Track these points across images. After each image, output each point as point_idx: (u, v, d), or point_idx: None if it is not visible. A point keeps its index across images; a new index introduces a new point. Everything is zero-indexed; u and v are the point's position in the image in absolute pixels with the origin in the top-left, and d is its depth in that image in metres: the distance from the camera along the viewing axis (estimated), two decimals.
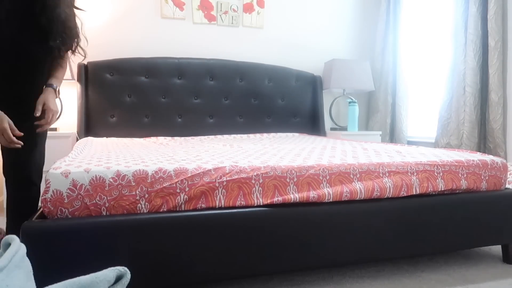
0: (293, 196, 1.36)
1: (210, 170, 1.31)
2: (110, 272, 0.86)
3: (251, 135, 3.12)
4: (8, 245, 0.83)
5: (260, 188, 1.33)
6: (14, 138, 1.33)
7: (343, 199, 1.42)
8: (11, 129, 1.32)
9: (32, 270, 0.88)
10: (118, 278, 0.88)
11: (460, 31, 2.74)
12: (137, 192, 1.23)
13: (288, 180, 1.37)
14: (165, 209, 1.25)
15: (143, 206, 1.23)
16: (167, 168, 1.28)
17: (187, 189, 1.26)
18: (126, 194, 1.22)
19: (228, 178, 1.31)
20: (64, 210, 1.17)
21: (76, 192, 1.18)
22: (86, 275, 0.84)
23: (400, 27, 3.48)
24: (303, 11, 3.62)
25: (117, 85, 2.94)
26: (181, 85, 3.10)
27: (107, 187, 1.20)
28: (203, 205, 1.28)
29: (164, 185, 1.24)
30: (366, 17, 3.81)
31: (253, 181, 1.33)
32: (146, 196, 1.23)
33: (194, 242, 1.24)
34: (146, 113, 3.01)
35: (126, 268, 0.89)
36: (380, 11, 3.66)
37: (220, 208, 1.30)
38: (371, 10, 3.80)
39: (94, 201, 1.19)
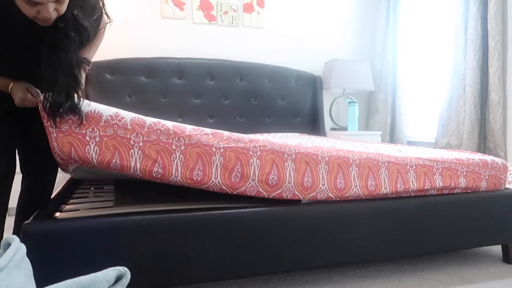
0: (289, 176, 1.34)
1: (208, 134, 1.30)
2: (110, 272, 0.86)
3: (251, 135, 3.11)
4: (8, 245, 0.83)
5: (258, 160, 1.32)
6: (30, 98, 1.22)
7: (337, 186, 1.41)
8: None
9: (32, 270, 0.88)
10: (118, 278, 0.88)
11: (460, 31, 2.74)
12: (132, 137, 1.20)
13: (286, 156, 1.36)
14: (159, 169, 1.21)
15: (136, 154, 1.19)
16: (166, 123, 1.27)
17: (183, 147, 1.24)
18: (121, 135, 1.19)
19: (225, 145, 1.29)
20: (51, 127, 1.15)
21: (69, 116, 1.16)
22: (86, 275, 0.84)
23: (400, 27, 3.48)
24: (303, 11, 3.62)
25: (117, 85, 2.94)
26: (181, 85, 3.10)
27: (103, 123, 1.19)
28: (199, 173, 1.25)
29: (160, 137, 1.22)
30: (366, 17, 3.81)
31: (250, 153, 1.32)
32: (140, 145, 1.20)
33: (194, 242, 1.24)
34: (146, 113, 2.99)
35: (126, 268, 0.89)
36: (380, 11, 3.66)
37: (220, 208, 1.30)
38: (371, 10, 3.80)
39: (84, 131, 1.16)
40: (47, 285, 0.81)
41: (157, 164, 1.21)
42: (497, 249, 1.84)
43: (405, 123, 3.41)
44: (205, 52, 3.29)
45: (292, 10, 3.58)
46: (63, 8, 1.12)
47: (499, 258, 1.76)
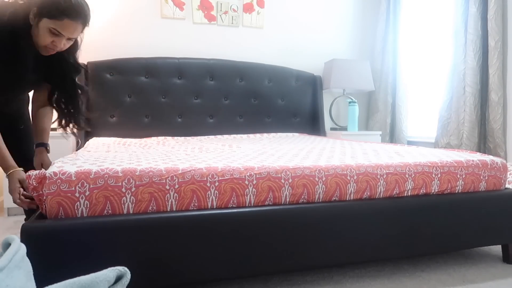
0: (284, 201, 1.36)
1: (201, 168, 1.30)
2: (110, 272, 0.86)
3: (251, 135, 3.12)
4: (8, 245, 0.83)
5: (254, 189, 1.32)
6: (23, 200, 1.32)
7: (333, 199, 1.42)
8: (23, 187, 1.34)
9: (32, 270, 0.88)
10: (118, 278, 0.88)
11: (460, 31, 2.74)
12: (124, 184, 1.19)
13: (283, 181, 1.35)
14: (154, 208, 1.23)
15: (128, 200, 1.20)
16: (159, 166, 1.28)
17: (177, 186, 1.24)
18: (112, 184, 1.19)
19: (220, 178, 1.29)
20: (43, 193, 1.16)
21: (58, 176, 1.15)
22: (86, 275, 0.84)
23: (400, 27, 3.48)
24: (303, 11, 3.62)
25: (117, 85, 2.94)
26: (181, 85, 3.10)
27: (93, 175, 1.18)
28: (194, 209, 1.27)
29: (153, 179, 1.22)
30: (366, 17, 3.81)
31: (246, 182, 1.31)
32: (133, 190, 1.20)
33: (194, 242, 1.24)
34: (146, 113, 3.01)
35: (126, 268, 0.89)
36: (380, 11, 3.66)
37: (220, 208, 1.30)
38: (371, 10, 3.80)
39: (73, 188, 1.15)
40: (47, 285, 0.81)
41: (150, 208, 1.22)
42: (497, 249, 1.84)
43: (405, 123, 3.41)
44: (205, 52, 3.29)
45: (292, 10, 3.58)
46: (68, 45, 1.44)
47: (499, 258, 1.76)
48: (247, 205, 1.32)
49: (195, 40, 3.30)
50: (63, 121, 1.61)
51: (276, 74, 3.38)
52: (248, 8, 3.42)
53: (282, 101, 3.40)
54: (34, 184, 1.16)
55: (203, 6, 3.29)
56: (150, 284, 1.20)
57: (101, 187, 1.17)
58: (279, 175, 1.35)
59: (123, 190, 1.19)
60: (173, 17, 3.23)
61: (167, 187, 1.23)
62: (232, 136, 3.07)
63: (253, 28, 3.46)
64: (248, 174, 1.32)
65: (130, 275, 0.90)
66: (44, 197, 1.16)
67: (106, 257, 1.15)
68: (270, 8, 3.50)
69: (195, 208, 1.27)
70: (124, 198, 1.19)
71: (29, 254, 0.89)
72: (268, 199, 1.34)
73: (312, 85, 3.52)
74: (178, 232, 1.22)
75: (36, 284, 0.88)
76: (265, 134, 3.18)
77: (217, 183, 1.28)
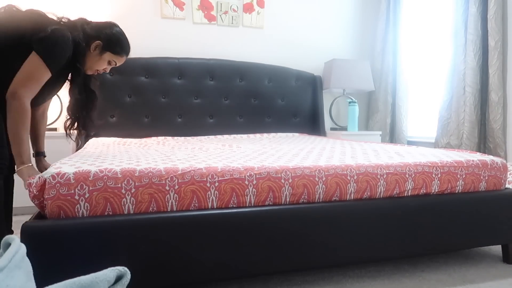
0: (284, 201, 1.35)
1: (201, 168, 1.30)
2: (110, 272, 0.86)
3: (251, 135, 3.12)
4: (8, 245, 0.83)
5: (254, 189, 1.32)
6: None
7: (333, 199, 1.41)
8: None
9: (32, 270, 0.88)
10: (118, 278, 0.88)
11: (460, 31, 2.74)
12: (123, 185, 1.19)
13: (283, 181, 1.35)
14: (154, 209, 1.23)
15: (128, 201, 1.19)
16: (158, 166, 1.28)
17: (176, 187, 1.24)
18: (111, 186, 1.18)
19: (220, 178, 1.29)
20: (43, 198, 1.16)
21: (56, 180, 1.15)
22: (86, 275, 0.84)
23: (400, 27, 3.48)
24: (303, 11, 3.62)
25: (117, 85, 2.94)
26: (181, 85, 3.10)
27: (92, 177, 1.18)
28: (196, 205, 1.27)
29: (153, 180, 1.22)
30: (366, 17, 3.82)
31: (246, 182, 1.31)
32: (132, 191, 1.20)
33: (194, 242, 1.24)
34: (146, 113, 3.01)
35: (126, 268, 0.89)
36: (380, 11, 3.66)
37: (220, 208, 1.30)
38: (371, 10, 3.80)
39: (72, 191, 1.15)
40: (47, 285, 0.81)
41: (150, 208, 1.22)
42: (497, 249, 1.84)
43: (405, 123, 3.41)
44: (205, 52, 3.29)
45: (292, 10, 3.58)
46: None
47: (499, 258, 1.76)
48: (247, 205, 1.32)
49: (195, 40, 3.30)
50: (76, 125, 1.73)
51: (276, 74, 3.38)
52: (248, 8, 3.42)
53: (282, 101, 3.40)
54: (35, 192, 1.16)
55: (203, 6, 3.29)
56: (150, 284, 1.20)
57: (100, 189, 1.17)
58: (279, 175, 1.35)
59: (123, 191, 1.19)
60: (173, 17, 3.23)
61: (167, 187, 1.23)
62: (232, 136, 3.08)
63: (253, 28, 3.46)
64: (248, 174, 1.32)
65: (130, 275, 0.90)
66: (45, 202, 1.15)
67: (106, 257, 1.15)
68: (270, 8, 3.50)
69: (195, 208, 1.27)
70: (124, 199, 1.19)
71: (29, 254, 0.89)
72: (268, 199, 1.34)
73: (312, 85, 3.52)
74: (178, 232, 1.22)
75: (36, 284, 0.88)
76: (265, 134, 3.19)
77: (217, 184, 1.28)
